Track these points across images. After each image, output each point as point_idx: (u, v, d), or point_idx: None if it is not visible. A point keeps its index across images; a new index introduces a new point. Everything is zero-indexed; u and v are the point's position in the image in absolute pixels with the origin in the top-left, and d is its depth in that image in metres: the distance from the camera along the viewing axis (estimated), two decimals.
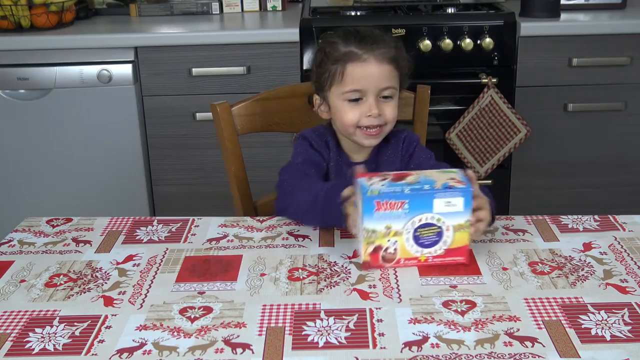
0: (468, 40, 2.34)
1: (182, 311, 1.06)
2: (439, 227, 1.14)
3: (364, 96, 1.37)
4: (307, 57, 2.37)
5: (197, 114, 2.41)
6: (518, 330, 0.99)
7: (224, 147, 1.62)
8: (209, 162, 2.47)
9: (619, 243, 1.25)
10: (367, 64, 1.36)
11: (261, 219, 1.38)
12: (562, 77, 2.39)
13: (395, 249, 1.15)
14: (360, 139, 1.41)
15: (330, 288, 1.12)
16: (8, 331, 1.02)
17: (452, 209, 1.14)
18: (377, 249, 1.15)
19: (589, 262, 1.18)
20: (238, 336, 0.99)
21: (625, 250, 1.22)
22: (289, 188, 1.37)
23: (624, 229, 1.30)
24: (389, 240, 1.14)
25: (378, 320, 1.02)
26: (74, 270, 1.19)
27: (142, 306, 1.08)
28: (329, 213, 1.25)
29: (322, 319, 1.03)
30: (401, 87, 1.44)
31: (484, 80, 2.36)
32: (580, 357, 0.93)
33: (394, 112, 1.40)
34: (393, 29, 2.35)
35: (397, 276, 1.15)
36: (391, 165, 1.46)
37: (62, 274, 1.18)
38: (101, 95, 2.38)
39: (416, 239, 1.15)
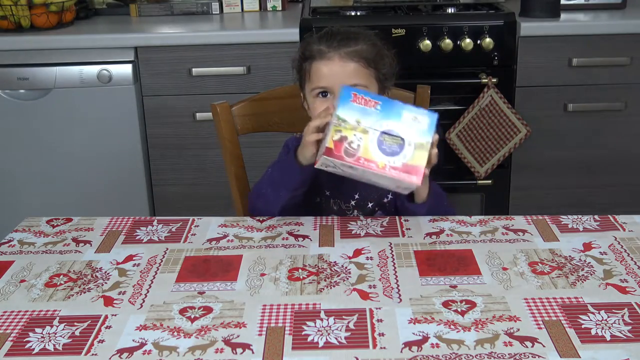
0: (468, 40, 2.34)
1: (182, 311, 1.06)
2: (402, 140, 1.20)
3: (331, 93, 1.39)
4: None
5: (197, 114, 2.41)
6: (518, 330, 0.99)
7: (224, 147, 1.62)
8: (209, 162, 2.47)
9: (619, 243, 1.25)
10: (330, 61, 1.38)
11: (261, 219, 1.38)
12: (562, 77, 2.39)
13: (358, 145, 1.20)
14: None
15: (330, 288, 1.12)
16: (8, 331, 1.02)
17: (417, 127, 1.20)
18: (342, 139, 1.21)
19: (589, 262, 1.18)
20: (238, 336, 0.99)
21: (625, 250, 1.22)
22: (254, 191, 1.44)
23: (624, 229, 1.30)
24: (355, 135, 1.20)
25: (378, 320, 1.02)
26: (74, 270, 1.19)
27: (142, 306, 1.08)
28: (286, 163, 1.35)
29: (322, 319, 1.03)
30: (383, 85, 1.44)
31: (484, 80, 2.36)
32: (580, 357, 0.93)
33: None
34: (393, 29, 2.35)
35: (397, 276, 1.15)
36: None
37: (62, 274, 1.18)
38: (101, 95, 2.37)
39: (380, 143, 1.20)
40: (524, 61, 2.38)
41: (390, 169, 1.21)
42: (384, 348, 0.96)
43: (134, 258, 1.23)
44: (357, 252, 1.23)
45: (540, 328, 0.99)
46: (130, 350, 0.97)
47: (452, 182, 2.47)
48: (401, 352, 0.95)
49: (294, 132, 1.69)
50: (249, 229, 1.34)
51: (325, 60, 1.39)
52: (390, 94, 1.49)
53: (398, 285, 1.12)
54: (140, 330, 1.01)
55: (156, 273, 1.18)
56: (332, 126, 1.21)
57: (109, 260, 1.23)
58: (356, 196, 1.48)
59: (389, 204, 1.49)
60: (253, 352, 0.96)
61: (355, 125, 1.20)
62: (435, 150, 1.27)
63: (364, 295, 1.09)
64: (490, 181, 2.49)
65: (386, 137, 1.20)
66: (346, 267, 1.18)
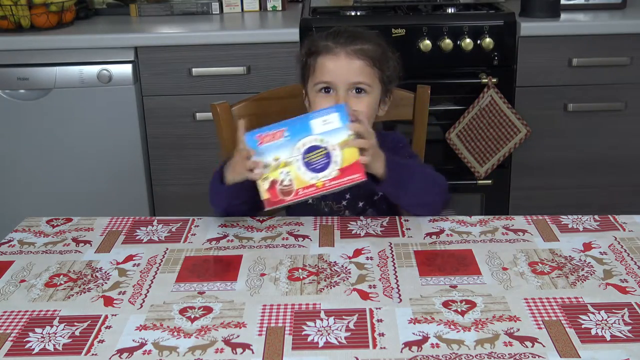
0: (468, 40, 2.34)
1: (182, 311, 1.06)
2: (325, 148, 1.16)
3: (335, 89, 1.38)
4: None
5: (197, 114, 2.41)
6: (518, 330, 0.99)
7: (224, 147, 1.62)
8: (209, 162, 2.46)
9: (619, 243, 1.25)
10: (337, 57, 1.38)
11: (261, 219, 1.38)
12: (562, 77, 2.39)
13: (290, 180, 1.17)
14: None
15: (330, 288, 1.12)
16: (8, 331, 1.02)
17: (330, 127, 1.16)
18: (273, 184, 1.18)
19: (589, 262, 1.18)
20: (238, 336, 0.99)
21: (625, 250, 1.22)
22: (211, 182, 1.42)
23: (624, 229, 1.30)
24: (281, 173, 1.17)
25: (378, 320, 1.02)
26: (74, 270, 1.19)
27: (142, 306, 1.08)
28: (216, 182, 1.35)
29: (322, 319, 1.03)
30: (387, 87, 1.44)
31: (484, 80, 2.36)
32: (580, 357, 0.93)
33: (367, 108, 1.39)
34: (393, 29, 2.35)
35: (397, 276, 1.15)
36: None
37: (62, 274, 1.18)
38: (101, 95, 2.37)
39: (307, 165, 1.16)
40: (524, 61, 2.38)
41: (330, 183, 1.17)
42: (384, 348, 0.96)
43: (134, 258, 1.24)
44: (357, 252, 1.23)
45: (540, 328, 0.99)
46: (130, 350, 0.97)
47: (452, 182, 2.45)
48: (401, 352, 0.95)
49: None
50: (249, 229, 1.34)
51: (332, 55, 1.38)
52: (392, 96, 1.49)
53: (398, 285, 1.12)
54: (140, 330, 1.01)
55: (156, 273, 1.18)
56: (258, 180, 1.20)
57: (109, 260, 1.23)
58: (347, 196, 1.48)
59: (379, 201, 1.49)
60: (253, 352, 0.96)
61: (277, 164, 1.17)
62: (360, 141, 1.23)
63: (364, 295, 1.09)
64: (490, 181, 2.49)
65: (309, 155, 1.17)
66: (346, 267, 1.18)
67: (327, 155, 1.16)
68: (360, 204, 1.49)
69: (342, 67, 1.37)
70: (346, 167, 1.17)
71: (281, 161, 1.16)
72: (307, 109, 1.47)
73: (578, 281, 1.12)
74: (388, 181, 1.32)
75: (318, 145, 1.16)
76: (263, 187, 1.18)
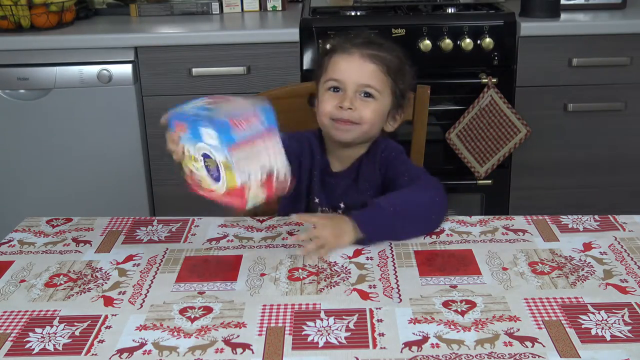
0: (468, 40, 2.34)
1: (182, 311, 1.06)
2: (215, 161, 1.07)
3: (343, 89, 1.37)
4: (307, 57, 2.37)
5: None
6: (518, 330, 0.99)
7: None
8: None
9: (619, 243, 1.25)
10: (351, 56, 1.37)
11: (261, 219, 1.38)
12: (562, 77, 2.39)
13: (199, 177, 1.13)
14: (332, 131, 1.40)
15: (330, 288, 1.12)
16: (8, 331, 1.02)
17: (214, 142, 1.06)
18: (191, 173, 1.14)
19: (589, 262, 1.18)
20: (238, 336, 0.99)
21: (625, 250, 1.22)
22: None
23: (624, 229, 1.30)
24: (193, 165, 1.13)
25: (378, 320, 1.02)
26: (74, 270, 1.19)
27: (142, 306, 1.08)
28: None
29: (322, 319, 1.03)
30: (398, 101, 1.41)
31: (484, 80, 2.36)
32: (580, 357, 0.93)
33: (373, 114, 1.37)
34: (393, 29, 2.35)
35: (397, 276, 1.15)
36: (371, 176, 1.43)
37: (62, 274, 1.18)
38: (101, 95, 2.37)
39: (207, 169, 1.10)
40: (524, 61, 2.38)
41: (223, 197, 1.09)
42: (384, 348, 0.96)
43: (134, 258, 1.24)
44: (357, 252, 1.23)
45: (540, 328, 0.99)
46: (130, 350, 0.97)
47: (452, 182, 2.47)
48: (401, 352, 0.95)
49: (294, 132, 1.69)
50: (249, 229, 1.34)
51: (346, 54, 1.37)
52: (404, 114, 1.46)
53: (398, 285, 1.12)
54: (140, 330, 1.01)
55: (156, 273, 1.18)
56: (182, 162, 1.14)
57: (109, 260, 1.23)
58: (342, 205, 1.45)
59: None
60: (253, 352, 0.96)
61: (189, 156, 1.11)
62: (310, 247, 1.19)
63: (364, 295, 1.09)
64: (490, 181, 2.48)
65: (208, 160, 1.08)
66: (346, 267, 1.18)
67: (218, 170, 1.08)
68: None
69: (354, 67, 1.36)
70: (230, 190, 1.08)
71: (191, 154, 1.11)
72: (314, 109, 1.45)
73: (578, 281, 1.12)
74: (372, 239, 1.25)
75: (209, 155, 1.08)
76: (185, 170, 1.15)
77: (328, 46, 1.43)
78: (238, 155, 1.04)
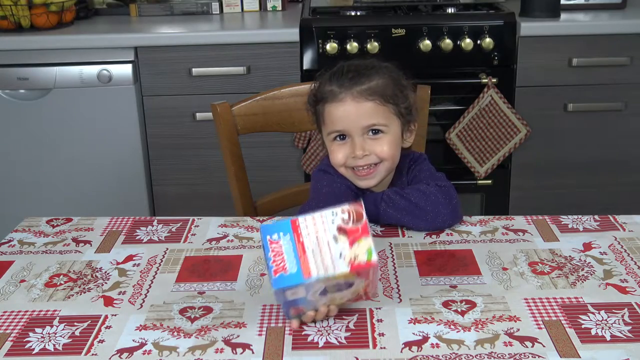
0: (468, 40, 2.34)
1: (182, 311, 1.06)
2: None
3: (349, 136, 1.30)
4: (307, 57, 2.37)
5: (197, 114, 2.41)
6: (518, 330, 0.99)
7: (224, 147, 1.62)
8: (209, 162, 2.47)
9: (619, 243, 1.25)
10: (344, 103, 1.28)
11: (261, 219, 1.38)
12: (562, 77, 2.39)
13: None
14: (356, 181, 1.34)
15: None
16: (8, 331, 1.02)
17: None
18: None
19: (589, 262, 1.18)
20: (238, 336, 0.99)
21: (625, 250, 1.22)
22: None
23: (624, 229, 1.30)
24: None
25: (378, 320, 1.02)
26: (74, 270, 1.19)
27: (142, 306, 1.08)
28: None
29: (322, 319, 1.03)
30: (407, 120, 1.35)
31: (484, 80, 2.36)
32: (580, 357, 0.93)
33: (388, 148, 1.30)
34: (393, 29, 2.35)
35: (397, 276, 1.15)
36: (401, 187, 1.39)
37: (62, 274, 1.18)
38: (101, 95, 2.37)
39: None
40: (524, 61, 2.38)
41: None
42: (384, 348, 0.96)
43: (134, 258, 1.23)
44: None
45: (540, 328, 0.99)
46: (130, 350, 0.97)
47: (452, 182, 2.46)
48: (401, 352, 0.95)
49: (295, 132, 1.69)
50: (249, 229, 1.34)
51: (337, 102, 1.29)
52: (417, 124, 1.40)
53: (398, 285, 1.12)
54: (140, 330, 1.01)
55: (156, 273, 1.18)
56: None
57: (109, 260, 1.23)
58: None
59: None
60: (253, 352, 0.96)
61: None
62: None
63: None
64: (490, 181, 2.48)
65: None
66: None
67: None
68: None
69: (350, 113, 1.28)
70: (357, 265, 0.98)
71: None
72: (312, 124, 1.41)
73: (578, 281, 1.12)
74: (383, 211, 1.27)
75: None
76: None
77: (316, 95, 1.33)
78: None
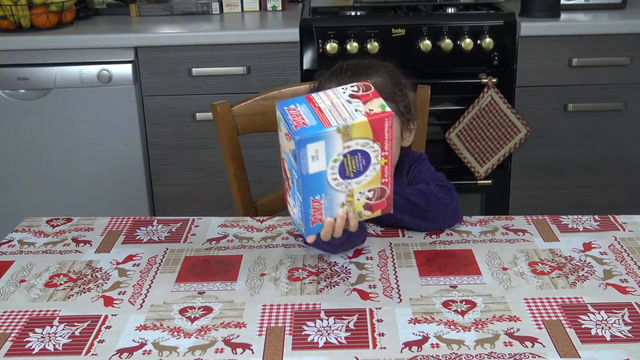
0: (468, 40, 2.34)
1: (182, 311, 1.06)
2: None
3: None
4: (307, 57, 2.37)
5: (197, 114, 2.41)
6: (518, 330, 0.99)
7: (224, 147, 1.62)
8: (209, 162, 2.47)
9: (619, 243, 1.25)
10: None
11: (261, 219, 1.38)
12: (562, 77, 2.39)
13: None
14: None
15: (330, 288, 1.12)
16: (8, 331, 1.02)
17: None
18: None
19: (589, 262, 1.18)
20: (238, 336, 0.99)
21: (625, 250, 1.22)
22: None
23: (624, 229, 1.30)
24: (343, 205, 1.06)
25: (378, 320, 1.02)
26: (74, 270, 1.19)
27: (142, 306, 1.08)
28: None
29: (322, 319, 1.03)
30: (406, 119, 1.34)
31: (484, 80, 2.36)
32: (580, 357, 0.93)
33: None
34: (393, 29, 2.35)
35: (397, 276, 1.15)
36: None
37: (62, 274, 1.18)
38: (101, 95, 2.37)
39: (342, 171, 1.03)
40: (524, 61, 2.38)
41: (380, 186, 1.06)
42: (384, 348, 0.96)
43: (134, 258, 1.24)
44: (357, 252, 1.23)
45: (540, 328, 0.99)
46: (130, 350, 0.97)
47: (452, 182, 2.46)
48: (401, 352, 0.95)
49: None
50: (249, 229, 1.34)
51: None
52: (416, 122, 1.40)
53: (398, 285, 1.12)
54: (140, 330, 1.01)
55: (156, 273, 1.18)
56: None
57: (109, 260, 1.23)
58: None
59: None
60: (253, 352, 0.96)
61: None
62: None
63: (364, 295, 1.09)
64: (490, 181, 2.48)
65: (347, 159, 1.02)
66: (346, 267, 1.18)
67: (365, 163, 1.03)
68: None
69: None
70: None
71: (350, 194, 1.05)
72: None
73: (578, 281, 1.12)
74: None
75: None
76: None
77: (315, 90, 1.33)
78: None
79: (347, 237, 1.15)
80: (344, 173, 1.02)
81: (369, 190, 1.05)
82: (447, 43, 2.34)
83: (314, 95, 1.06)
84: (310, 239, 1.07)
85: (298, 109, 1.03)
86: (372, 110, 1.01)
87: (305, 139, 0.98)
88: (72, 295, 1.12)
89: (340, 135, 0.99)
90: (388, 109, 1.02)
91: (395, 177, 1.40)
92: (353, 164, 1.02)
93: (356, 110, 1.01)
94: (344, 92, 1.05)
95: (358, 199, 1.05)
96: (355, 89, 1.05)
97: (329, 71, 1.36)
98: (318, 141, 0.98)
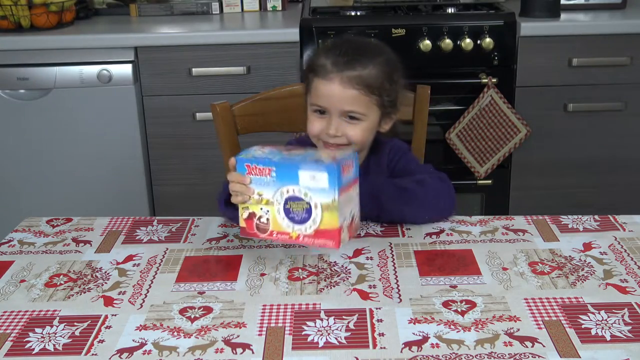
0: (468, 40, 2.34)
1: (182, 311, 1.06)
2: (308, 203, 1.09)
3: (328, 113, 1.33)
4: (307, 57, 2.37)
5: (197, 114, 2.41)
6: (518, 330, 0.99)
7: (224, 147, 1.62)
8: (209, 162, 2.47)
9: (619, 243, 1.25)
10: (331, 83, 1.30)
11: None
12: (562, 77, 2.39)
13: (267, 219, 1.13)
14: (323, 152, 1.35)
15: (330, 288, 1.12)
16: (8, 331, 1.02)
17: (317, 185, 1.08)
18: (251, 216, 1.15)
19: (589, 262, 1.18)
20: (238, 336, 0.99)
21: (625, 250, 1.22)
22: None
23: (624, 229, 1.30)
24: (261, 209, 1.13)
25: (378, 320, 1.02)
26: (74, 270, 1.19)
27: (142, 306, 1.08)
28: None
29: (322, 319, 1.03)
30: (387, 112, 1.36)
31: (484, 80, 2.36)
32: (580, 357, 0.93)
33: (361, 134, 1.33)
34: (393, 29, 2.35)
35: (397, 276, 1.15)
36: (380, 176, 1.42)
37: (62, 274, 1.18)
38: (101, 95, 2.37)
39: (287, 212, 1.11)
40: (524, 61, 2.38)
41: (304, 238, 1.11)
42: (384, 348, 0.96)
43: (134, 258, 1.24)
44: (357, 252, 1.23)
45: (540, 328, 0.99)
46: (130, 350, 0.97)
47: (452, 182, 2.46)
48: (401, 352, 0.95)
49: (294, 132, 1.69)
50: None
51: (326, 80, 1.31)
52: (398, 112, 1.42)
53: (398, 285, 1.12)
54: (140, 330, 1.01)
55: (156, 273, 1.18)
56: (240, 205, 1.15)
57: (109, 260, 1.23)
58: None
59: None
60: (253, 352, 0.96)
61: (259, 199, 1.12)
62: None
63: (364, 295, 1.09)
64: (490, 181, 2.48)
65: (292, 204, 1.10)
66: (346, 267, 1.18)
67: (308, 211, 1.09)
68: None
69: (335, 94, 1.30)
70: (323, 230, 1.09)
71: (263, 198, 1.12)
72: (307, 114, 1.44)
73: (578, 281, 1.12)
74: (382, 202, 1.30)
75: (301, 197, 1.09)
76: (242, 215, 1.15)
77: (310, 63, 1.36)
78: (341, 198, 1.08)
79: None
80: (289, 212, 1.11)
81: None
82: (447, 43, 2.34)
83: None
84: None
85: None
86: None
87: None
88: (72, 295, 1.12)
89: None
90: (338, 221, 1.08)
91: (373, 164, 1.42)
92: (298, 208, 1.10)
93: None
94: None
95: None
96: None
97: (331, 43, 1.38)
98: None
